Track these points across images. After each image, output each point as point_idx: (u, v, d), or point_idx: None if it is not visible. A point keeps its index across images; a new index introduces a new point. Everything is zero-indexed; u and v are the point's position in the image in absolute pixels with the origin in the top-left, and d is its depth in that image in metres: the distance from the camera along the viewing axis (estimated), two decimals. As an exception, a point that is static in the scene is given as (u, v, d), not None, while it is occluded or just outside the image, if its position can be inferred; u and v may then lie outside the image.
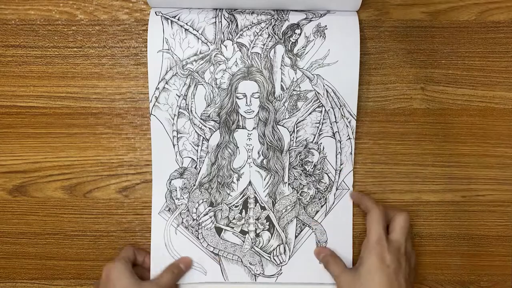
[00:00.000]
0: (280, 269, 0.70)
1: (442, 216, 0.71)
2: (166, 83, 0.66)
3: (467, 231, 0.71)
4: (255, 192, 0.69)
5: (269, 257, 0.70)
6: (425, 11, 0.68)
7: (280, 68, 0.66)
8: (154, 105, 0.67)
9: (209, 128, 0.67)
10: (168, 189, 0.69)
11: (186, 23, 0.66)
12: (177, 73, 0.66)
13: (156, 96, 0.66)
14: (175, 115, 0.67)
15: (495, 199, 0.71)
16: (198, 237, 0.69)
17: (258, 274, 0.70)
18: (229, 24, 0.66)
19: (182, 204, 0.69)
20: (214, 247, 0.69)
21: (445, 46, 0.69)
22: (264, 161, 0.68)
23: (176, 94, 0.66)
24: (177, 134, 0.67)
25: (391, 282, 0.61)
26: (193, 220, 0.69)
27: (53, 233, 0.71)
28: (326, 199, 0.69)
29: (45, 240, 0.71)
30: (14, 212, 0.70)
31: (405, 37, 0.69)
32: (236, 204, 0.69)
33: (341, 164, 0.69)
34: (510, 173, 0.71)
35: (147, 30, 0.66)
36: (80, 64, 0.68)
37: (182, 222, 0.69)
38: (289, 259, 0.70)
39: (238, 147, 0.68)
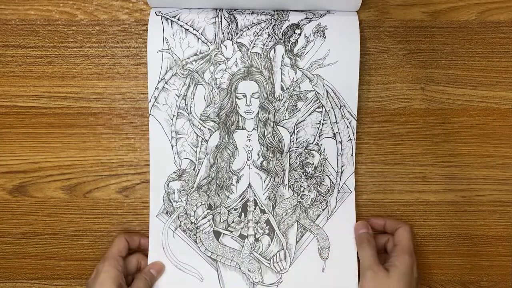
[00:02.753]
0: (281, 277, 0.67)
1: (442, 216, 0.70)
2: (166, 83, 0.64)
3: (467, 231, 0.70)
4: (254, 195, 0.67)
5: (269, 263, 0.67)
6: (425, 11, 0.67)
7: (280, 68, 0.64)
8: (153, 105, 0.65)
9: (208, 129, 0.65)
10: (165, 191, 0.67)
11: (186, 23, 0.64)
12: (176, 73, 0.64)
13: (155, 96, 0.65)
14: (174, 115, 0.65)
15: (495, 199, 0.69)
16: (196, 241, 0.67)
17: (257, 283, 0.67)
18: (229, 24, 0.64)
19: (180, 207, 0.67)
20: (212, 252, 0.67)
21: (445, 46, 0.67)
22: (264, 162, 0.66)
23: (176, 94, 0.65)
24: (176, 135, 0.66)
25: None
26: (191, 223, 0.67)
27: (53, 233, 0.69)
28: (327, 202, 0.67)
29: (45, 240, 0.69)
30: (14, 212, 0.69)
31: (405, 37, 0.67)
32: (235, 207, 0.67)
33: (342, 166, 0.67)
34: (510, 173, 0.69)
35: (147, 30, 0.65)
36: (80, 64, 0.67)
37: (180, 225, 0.67)
38: (289, 266, 0.67)
39: (237, 148, 0.66)
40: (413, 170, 0.69)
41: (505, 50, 0.67)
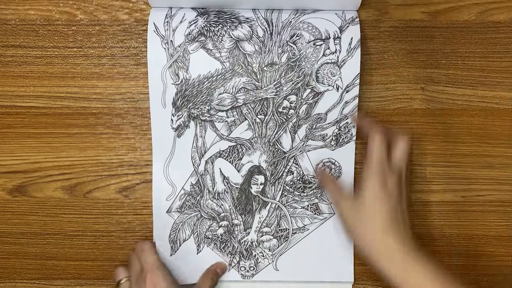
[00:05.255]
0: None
1: (442, 216, 0.67)
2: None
3: (467, 231, 0.68)
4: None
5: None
6: (425, 11, 0.64)
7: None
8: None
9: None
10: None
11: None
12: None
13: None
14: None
15: (495, 199, 0.67)
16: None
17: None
18: None
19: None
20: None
21: (445, 46, 0.65)
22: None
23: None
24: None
25: (395, 210, 0.56)
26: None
27: (53, 233, 0.67)
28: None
29: (45, 240, 0.67)
30: (14, 212, 0.66)
31: (405, 37, 0.65)
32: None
33: None
34: (510, 173, 0.67)
35: (147, 30, 0.62)
36: (80, 64, 0.64)
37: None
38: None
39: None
40: (413, 170, 0.66)
41: (505, 50, 0.65)
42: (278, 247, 0.65)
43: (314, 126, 0.63)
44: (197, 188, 0.64)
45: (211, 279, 0.63)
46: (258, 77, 0.61)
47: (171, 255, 0.65)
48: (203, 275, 0.64)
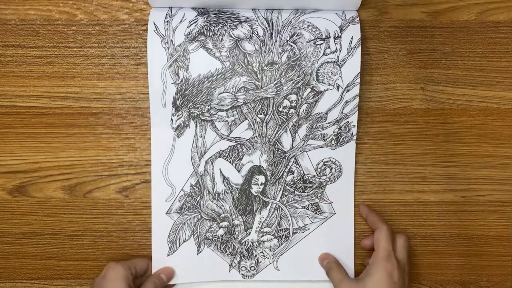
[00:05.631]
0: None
1: (442, 216, 0.67)
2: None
3: (467, 231, 0.67)
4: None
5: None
6: (425, 11, 0.64)
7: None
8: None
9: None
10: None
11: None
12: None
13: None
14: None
15: (495, 199, 0.67)
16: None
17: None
18: None
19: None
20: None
21: (445, 46, 0.65)
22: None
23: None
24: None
25: None
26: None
27: (53, 233, 0.66)
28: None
29: (45, 240, 0.66)
30: (14, 212, 0.66)
31: (405, 37, 0.64)
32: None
33: None
34: (510, 173, 0.66)
35: (147, 30, 0.62)
36: (80, 64, 0.64)
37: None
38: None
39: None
40: (413, 170, 0.66)
41: (505, 50, 0.65)
42: (279, 247, 0.65)
43: (314, 125, 0.63)
44: (196, 189, 0.64)
45: (154, 282, 0.62)
46: (258, 76, 0.61)
47: (168, 255, 0.64)
48: (147, 279, 0.63)
